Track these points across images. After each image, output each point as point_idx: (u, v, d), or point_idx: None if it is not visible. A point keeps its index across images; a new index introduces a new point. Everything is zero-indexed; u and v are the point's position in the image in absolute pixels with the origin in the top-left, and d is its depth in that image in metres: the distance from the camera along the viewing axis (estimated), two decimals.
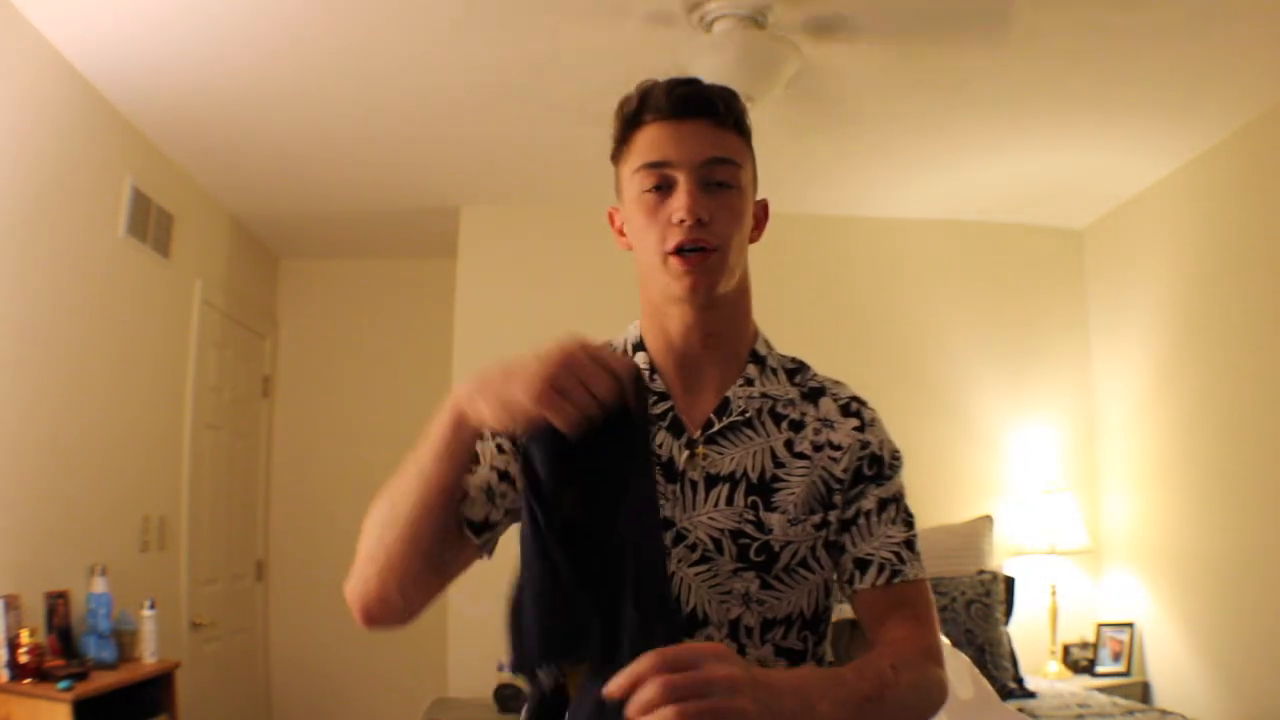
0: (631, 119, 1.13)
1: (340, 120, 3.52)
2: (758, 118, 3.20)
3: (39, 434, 2.91)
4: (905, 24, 2.88)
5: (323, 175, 4.06)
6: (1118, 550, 4.24)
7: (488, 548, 1.12)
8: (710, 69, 2.79)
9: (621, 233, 1.19)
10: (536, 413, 0.90)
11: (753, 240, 1.19)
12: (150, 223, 3.60)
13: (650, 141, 1.11)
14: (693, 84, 1.14)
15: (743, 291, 1.18)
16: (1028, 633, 4.06)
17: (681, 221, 1.08)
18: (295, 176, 4.08)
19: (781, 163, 3.87)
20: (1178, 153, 3.77)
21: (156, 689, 3.04)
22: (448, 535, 1.05)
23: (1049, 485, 4.23)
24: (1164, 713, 3.21)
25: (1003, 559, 4.18)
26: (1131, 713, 3.17)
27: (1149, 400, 4.06)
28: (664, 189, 1.10)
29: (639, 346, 1.18)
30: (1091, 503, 4.33)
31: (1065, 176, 4.03)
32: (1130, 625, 4.03)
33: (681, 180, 1.09)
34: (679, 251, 1.08)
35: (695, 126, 1.11)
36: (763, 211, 1.21)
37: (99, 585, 2.97)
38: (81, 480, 3.14)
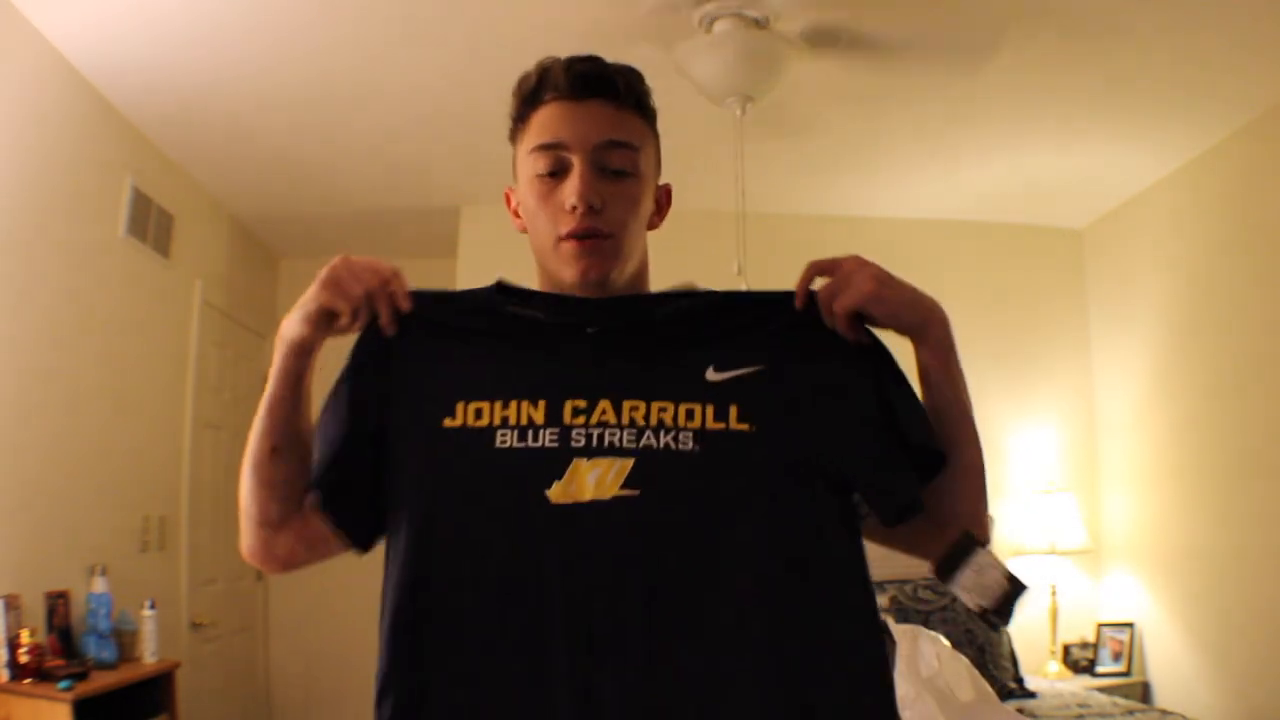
0: (529, 97, 1.09)
1: (341, 120, 3.52)
2: (757, 117, 3.21)
3: (39, 434, 2.91)
4: (905, 25, 2.88)
5: (323, 175, 4.06)
6: (1118, 550, 4.24)
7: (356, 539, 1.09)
8: (710, 69, 2.79)
9: (517, 214, 1.16)
10: (324, 303, 1.03)
11: (653, 227, 1.16)
12: (150, 223, 3.60)
13: (546, 122, 1.07)
14: (593, 61, 1.09)
15: (640, 279, 1.14)
16: (1028, 633, 4.05)
17: (574, 208, 1.05)
18: (295, 176, 4.08)
19: (781, 164, 3.87)
20: (1178, 153, 3.77)
21: (156, 689, 3.04)
22: (296, 475, 1.08)
23: (1049, 485, 4.23)
24: (1164, 713, 3.21)
25: (1003, 559, 4.18)
26: (1131, 713, 3.18)
27: (1149, 400, 4.06)
28: (558, 174, 1.07)
29: None
30: (1091, 503, 4.33)
31: (1065, 176, 4.03)
32: (1130, 625, 4.03)
33: (576, 164, 1.06)
34: (571, 236, 1.06)
35: (593, 107, 1.07)
36: (665, 197, 1.17)
37: (99, 585, 2.97)
38: (81, 480, 3.14)
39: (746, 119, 2.97)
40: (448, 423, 1.01)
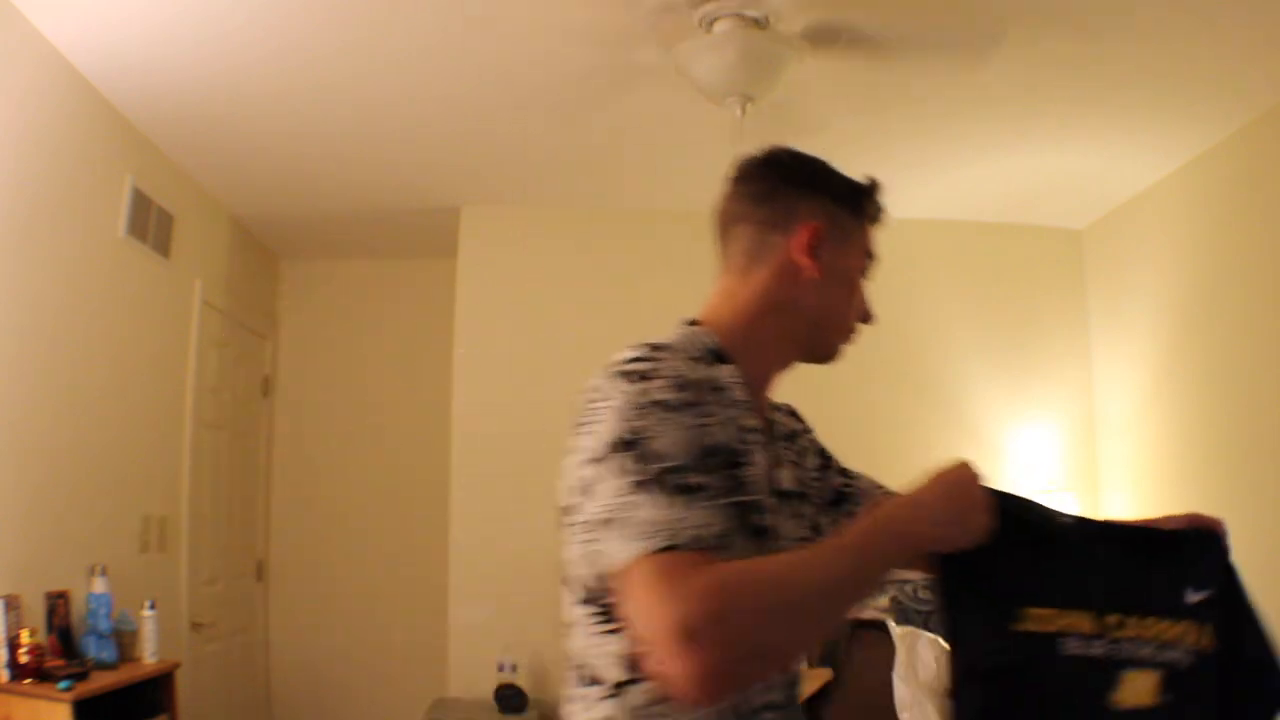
0: (869, 207, 1.31)
1: (340, 120, 3.52)
2: (757, 118, 3.19)
3: (39, 434, 2.91)
4: (905, 25, 2.88)
5: (323, 175, 4.06)
6: None
7: None
8: (710, 69, 2.79)
9: (813, 256, 1.22)
10: (988, 528, 1.08)
11: None
12: (150, 223, 3.61)
13: (872, 238, 1.30)
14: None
15: None
16: None
17: (868, 316, 1.27)
18: (295, 176, 4.08)
19: None
20: (1177, 153, 3.77)
21: (156, 689, 3.04)
22: None
23: (1049, 485, 4.23)
24: None
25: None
26: None
27: (1149, 400, 4.06)
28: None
29: (720, 357, 1.14)
30: (1091, 503, 4.32)
31: (1065, 176, 4.03)
32: None
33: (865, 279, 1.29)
34: (860, 323, 1.26)
35: None
36: None
37: (99, 585, 2.97)
38: (81, 480, 3.14)
39: (746, 119, 2.96)
40: (1016, 627, 1.14)
